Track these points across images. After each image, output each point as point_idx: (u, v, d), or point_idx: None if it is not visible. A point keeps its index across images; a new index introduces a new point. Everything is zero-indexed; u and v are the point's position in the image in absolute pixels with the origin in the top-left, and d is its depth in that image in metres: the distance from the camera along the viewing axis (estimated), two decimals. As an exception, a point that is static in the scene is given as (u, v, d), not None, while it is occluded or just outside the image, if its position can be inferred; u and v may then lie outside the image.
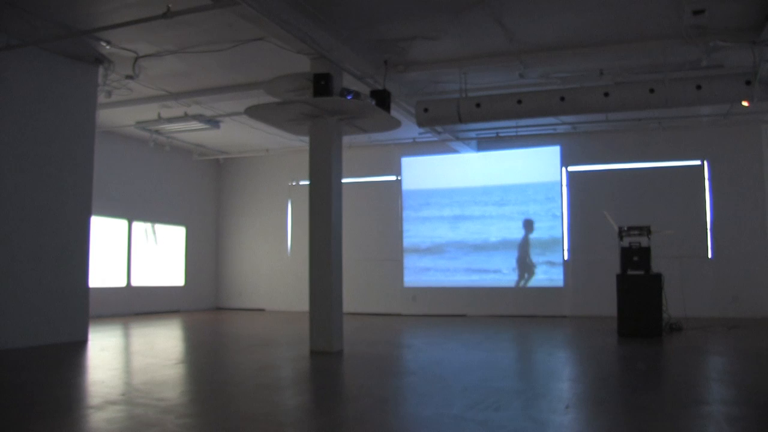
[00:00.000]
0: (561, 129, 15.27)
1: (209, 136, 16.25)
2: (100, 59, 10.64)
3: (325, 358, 9.09)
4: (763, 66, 9.49)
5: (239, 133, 15.69)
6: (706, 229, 15.37)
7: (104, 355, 9.59)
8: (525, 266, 16.56)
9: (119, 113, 13.64)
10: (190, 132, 15.30)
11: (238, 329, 13.96)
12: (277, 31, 8.44)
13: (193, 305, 18.39)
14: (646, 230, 11.65)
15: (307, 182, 9.99)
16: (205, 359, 9.51)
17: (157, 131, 15.25)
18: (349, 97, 9.61)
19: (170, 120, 14.05)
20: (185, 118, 13.80)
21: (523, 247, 16.63)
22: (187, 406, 5.99)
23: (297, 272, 16.70)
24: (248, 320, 15.81)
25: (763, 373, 8.12)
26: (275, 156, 18.08)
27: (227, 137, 16.37)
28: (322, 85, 9.17)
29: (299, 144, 15.31)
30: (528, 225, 16.65)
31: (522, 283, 16.50)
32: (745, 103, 10.72)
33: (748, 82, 10.02)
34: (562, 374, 8.21)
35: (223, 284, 19.47)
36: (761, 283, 14.77)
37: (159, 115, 13.94)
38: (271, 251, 18.82)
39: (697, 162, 15.58)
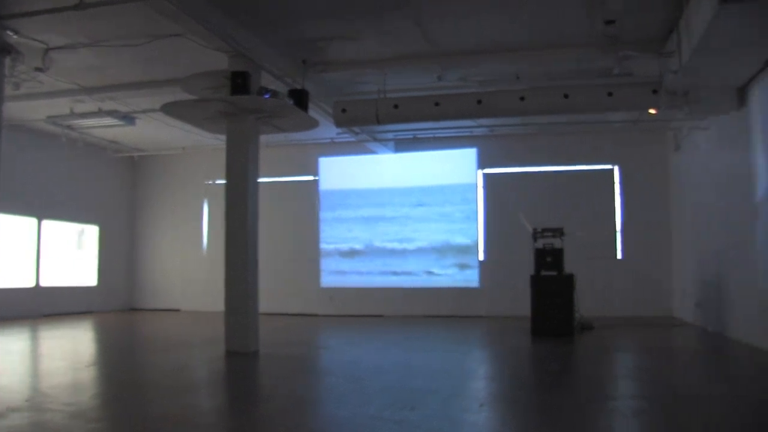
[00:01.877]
0: (478, 131, 15.48)
1: (124, 133, 15.87)
2: (7, 49, 10.21)
3: (240, 358, 9.00)
4: (668, 76, 9.85)
5: (155, 131, 15.37)
6: (616, 231, 15.85)
7: (9, 359, 9.25)
8: None
9: (29, 107, 13.15)
10: (105, 128, 14.89)
11: (152, 330, 13.71)
12: (195, 27, 8.31)
13: (106, 306, 17.92)
14: (559, 232, 11.93)
15: (223, 181, 9.88)
16: (118, 361, 9.31)
17: (69, 126, 14.78)
18: (266, 96, 9.52)
19: (83, 115, 13.64)
20: (99, 113, 13.42)
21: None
22: (98, 410, 5.85)
23: (213, 272, 16.42)
24: (163, 321, 15.54)
25: (667, 369, 8.45)
26: (192, 154, 17.78)
27: (143, 134, 16.02)
28: (239, 83, 9.07)
29: (216, 142, 15.08)
30: None
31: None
32: (652, 111, 11.11)
33: (654, 91, 10.42)
34: (477, 373, 8.34)
35: (137, 284, 19.04)
36: (666, 282, 15.35)
37: (71, 110, 13.51)
38: (186, 251, 18.50)
39: (609, 166, 16.05)
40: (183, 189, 18.70)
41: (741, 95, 10.10)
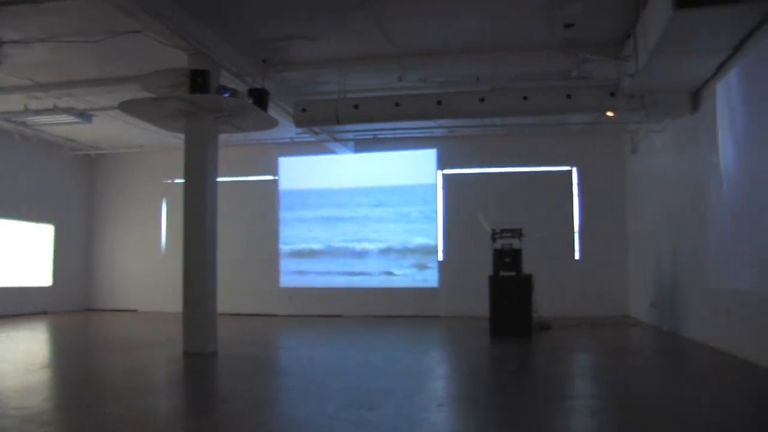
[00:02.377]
0: (438, 132, 15.55)
1: (81, 131, 15.62)
2: (-42, 43, 10.02)
3: (199, 359, 8.93)
4: (625, 79, 10.00)
5: (113, 129, 15.17)
6: (574, 232, 16.04)
7: (-41, 360, 9.07)
8: None
9: (-20, 103, 12.92)
10: (60, 125, 14.66)
11: (108, 331, 13.53)
12: (154, 24, 8.22)
13: (61, 306, 17.62)
14: (517, 233, 12.02)
15: (182, 180, 9.79)
16: (73, 363, 9.16)
17: (23, 123, 14.52)
18: (226, 95, 9.45)
19: (38, 112, 13.39)
20: (55, 110, 13.18)
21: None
22: (51, 414, 5.72)
23: (171, 272, 16.22)
24: (120, 321, 15.35)
25: (622, 368, 8.58)
26: (150, 153, 17.57)
27: (100, 132, 15.79)
28: (198, 81, 8.99)
29: (175, 141, 14.92)
30: None
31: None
32: (609, 114, 11.25)
33: (612, 94, 10.58)
34: (435, 373, 8.37)
35: (93, 284, 18.76)
36: (622, 283, 15.58)
37: (25, 106, 13.26)
38: (144, 250, 18.29)
39: (567, 167, 16.22)
40: (141, 188, 18.49)
41: (695, 99, 10.29)
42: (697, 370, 8.32)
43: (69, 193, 18.37)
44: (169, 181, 17.82)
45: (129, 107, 9.63)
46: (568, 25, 8.96)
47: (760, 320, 7.83)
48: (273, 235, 17.48)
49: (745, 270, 8.45)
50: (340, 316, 16.20)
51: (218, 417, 5.76)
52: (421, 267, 16.68)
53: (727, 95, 9.10)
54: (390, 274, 16.85)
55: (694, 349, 9.72)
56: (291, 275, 17.33)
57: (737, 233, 8.69)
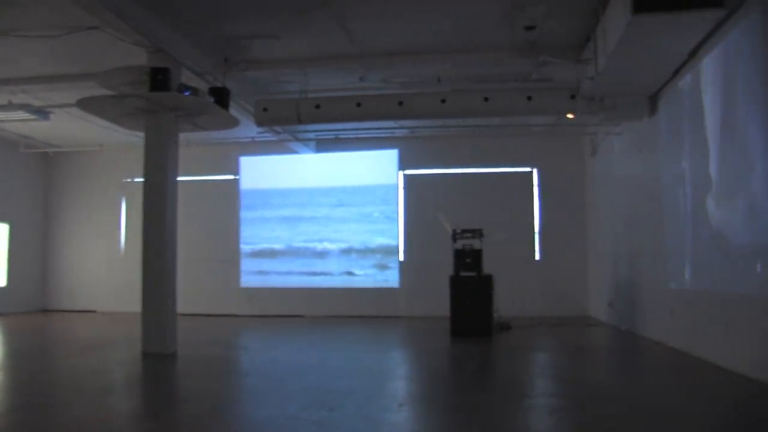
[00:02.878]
0: (399, 133, 15.57)
1: (38, 128, 15.35)
2: None
3: (158, 360, 8.84)
4: (585, 82, 10.12)
5: (71, 126, 14.93)
6: (534, 232, 16.18)
7: None
8: None
9: (-68, 98, 12.62)
10: (16, 122, 14.40)
11: (66, 332, 13.33)
12: (112, 20, 8.11)
13: (16, 307, 17.28)
14: (478, 233, 12.10)
15: (142, 179, 9.69)
16: (29, 365, 8.98)
17: (-24, 120, 14.26)
18: (186, 94, 9.36)
19: (-8, 109, 13.18)
20: (10, 107, 12.93)
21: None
22: (5, 418, 5.60)
23: (130, 272, 16.03)
24: (77, 322, 15.13)
25: (581, 367, 8.68)
26: (109, 151, 17.32)
27: (58, 130, 15.53)
28: (159, 79, 8.90)
29: (135, 140, 14.72)
30: None
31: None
32: (570, 116, 11.38)
33: (572, 97, 10.70)
34: (396, 373, 8.40)
35: (50, 284, 18.44)
36: (582, 283, 15.77)
37: (-21, 103, 13.05)
38: (103, 250, 18.02)
39: (528, 169, 16.36)
40: (100, 187, 18.23)
41: (653, 103, 10.45)
42: (653, 368, 8.46)
43: (25, 192, 18.04)
44: (129, 180, 17.61)
45: (87, 105, 9.50)
46: (529, 28, 9.05)
47: (713, 320, 7.99)
48: (233, 235, 17.37)
49: (699, 270, 8.61)
50: (301, 316, 16.15)
51: (178, 418, 5.71)
52: (382, 267, 16.70)
53: (681, 99, 9.27)
54: (351, 274, 16.85)
55: (651, 348, 9.87)
56: (252, 275, 17.23)
57: (691, 235, 8.85)
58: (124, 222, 18.01)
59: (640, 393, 6.64)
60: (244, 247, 17.35)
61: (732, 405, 6.07)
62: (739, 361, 7.26)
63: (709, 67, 8.16)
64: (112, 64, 9.41)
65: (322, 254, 17.03)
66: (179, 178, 10.00)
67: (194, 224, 16.20)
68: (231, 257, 17.27)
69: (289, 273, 17.08)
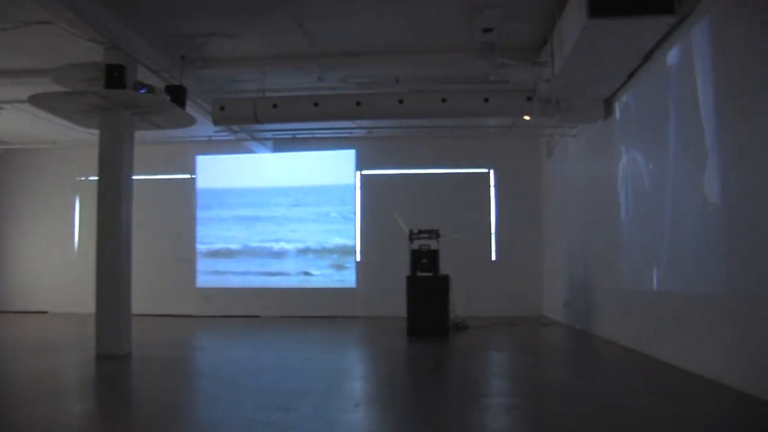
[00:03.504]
0: (357, 133, 15.55)
1: (-13, 125, 15.08)
2: None
3: (112, 361, 8.72)
4: (542, 84, 10.23)
5: (23, 123, 14.62)
6: (491, 233, 16.30)
7: None
8: None
9: None
10: (-36, 119, 14.10)
11: (17, 333, 13.06)
12: (67, 15, 7.97)
13: (-37, 307, 16.96)
14: (435, 234, 12.16)
15: (96, 178, 9.55)
16: (-23, 365, 8.81)
17: None
18: (142, 91, 9.25)
19: (-61, 104, 12.85)
20: (-43, 102, 12.69)
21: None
22: (-47, 420, 5.51)
23: (84, 272, 15.81)
24: (29, 323, 14.84)
25: (536, 366, 8.77)
26: (63, 149, 17.02)
27: (9, 126, 15.20)
28: (114, 76, 8.77)
29: (90, 137, 14.51)
30: None
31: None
32: (526, 118, 11.49)
33: (529, 98, 10.81)
34: (352, 374, 8.40)
35: (0, 285, 18.08)
36: (537, 283, 15.93)
37: (-75, 98, 12.71)
38: (56, 250, 17.70)
39: (484, 170, 16.47)
40: (53, 185, 17.90)
41: (608, 105, 10.62)
42: (607, 367, 8.59)
43: (-26, 190, 17.67)
44: (83, 179, 17.36)
45: (40, 101, 9.32)
46: (487, 30, 9.11)
47: (665, 319, 8.14)
48: (189, 235, 17.20)
49: (651, 271, 8.76)
50: (257, 316, 16.06)
51: (131, 420, 5.65)
52: (339, 267, 16.68)
53: (635, 102, 9.43)
54: (308, 274, 16.79)
55: (604, 347, 10.01)
56: (208, 275, 17.08)
57: (643, 236, 9.00)
58: (78, 221, 17.72)
59: (592, 391, 6.74)
60: (201, 247, 17.19)
61: (680, 402, 6.18)
62: (690, 360, 7.40)
63: (662, 71, 8.32)
64: (67, 59, 9.27)
65: (279, 254, 16.95)
66: (135, 177, 9.88)
67: (150, 224, 15.99)
68: (187, 257, 17.09)
69: (245, 273, 16.97)
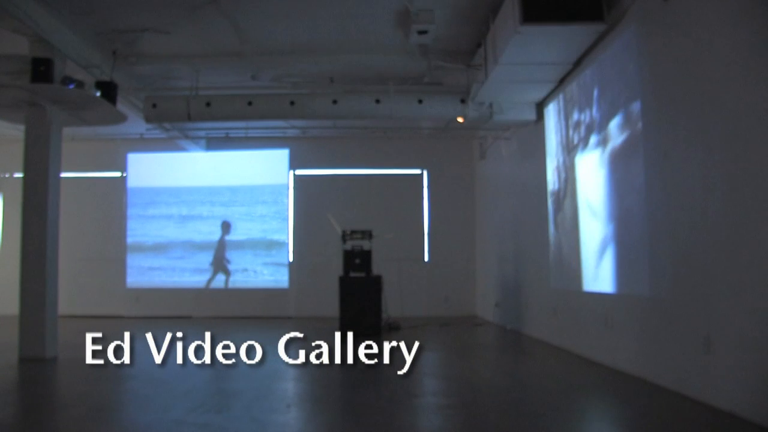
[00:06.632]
0: (291, 133, 15.48)
1: None
2: None
3: (36, 365, 8.49)
4: (475, 87, 10.36)
5: (-58, 118, 14.19)
6: (423, 234, 16.42)
7: None
8: (220, 266, 16.63)
9: None
10: None
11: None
12: (-12, 5, 7.73)
13: None
14: (367, 234, 12.20)
15: (21, 175, 9.31)
16: None
17: None
18: (71, 86, 9.03)
19: None
20: None
21: (219, 249, 16.69)
22: None
23: (7, 272, 15.36)
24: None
25: (467, 366, 8.88)
26: (-15, 144, 16.58)
27: (-73, 121, 14.73)
28: (41, 70, 8.54)
29: (15, 133, 14.11)
30: (225, 227, 16.75)
31: (213, 283, 16.55)
32: (459, 120, 11.61)
33: (462, 101, 10.95)
34: (284, 374, 8.35)
35: None
36: (469, 284, 16.11)
37: None
38: (-23, 248, 17.21)
39: (418, 171, 16.59)
40: (-26, 182, 17.38)
41: (539, 109, 10.82)
42: (536, 365, 8.75)
43: None
44: (7, 176, 16.88)
45: (-39, 94, 9.05)
46: (422, 32, 9.17)
47: (593, 319, 8.33)
48: (120, 234, 16.86)
49: (580, 272, 8.95)
50: (189, 317, 15.86)
51: (56, 425, 5.52)
52: (272, 267, 16.58)
53: (565, 106, 9.63)
54: (240, 273, 16.65)
55: (534, 346, 10.19)
56: (139, 275, 16.77)
57: (573, 237, 9.19)
58: (2, 220, 17.21)
59: (521, 388, 6.87)
60: (132, 246, 16.87)
61: (608, 398, 6.33)
62: (618, 359, 7.59)
63: (590, 77, 8.51)
64: (-10, 52, 8.98)
65: (212, 254, 16.75)
66: (63, 175, 9.66)
67: (78, 222, 15.68)
68: (117, 256, 16.76)
69: (178, 273, 16.73)
